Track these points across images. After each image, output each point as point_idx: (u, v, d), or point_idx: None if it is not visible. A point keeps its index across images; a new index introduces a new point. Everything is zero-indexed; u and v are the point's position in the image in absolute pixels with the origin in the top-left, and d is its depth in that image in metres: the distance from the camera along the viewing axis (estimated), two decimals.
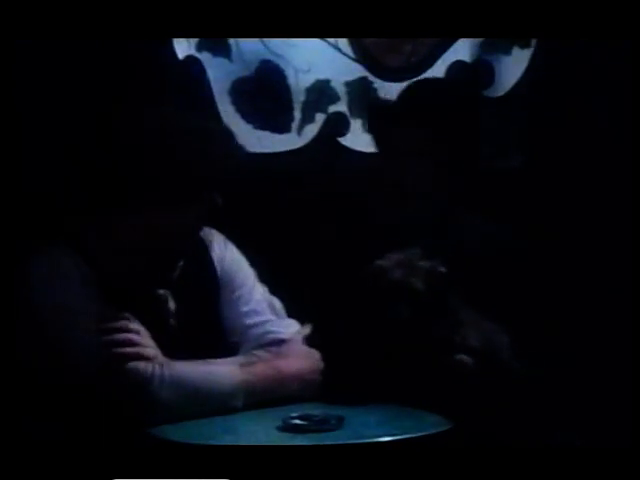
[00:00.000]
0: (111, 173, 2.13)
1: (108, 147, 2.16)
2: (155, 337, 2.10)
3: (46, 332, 2.07)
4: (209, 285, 2.27)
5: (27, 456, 1.91)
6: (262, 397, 2.12)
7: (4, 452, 1.92)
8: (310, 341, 2.26)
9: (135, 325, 2.07)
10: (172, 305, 2.21)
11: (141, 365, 2.03)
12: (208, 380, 2.08)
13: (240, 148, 2.32)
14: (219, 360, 2.15)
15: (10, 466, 1.88)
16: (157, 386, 2.03)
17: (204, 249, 2.28)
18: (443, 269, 2.22)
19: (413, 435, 1.90)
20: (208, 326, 2.23)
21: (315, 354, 2.23)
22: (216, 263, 2.29)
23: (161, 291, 2.20)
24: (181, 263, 2.22)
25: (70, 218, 2.24)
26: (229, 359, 2.17)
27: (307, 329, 2.28)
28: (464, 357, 2.20)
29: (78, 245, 2.15)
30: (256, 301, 2.29)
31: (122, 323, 2.07)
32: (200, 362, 2.11)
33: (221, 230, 2.32)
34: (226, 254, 2.31)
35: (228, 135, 2.24)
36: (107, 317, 2.07)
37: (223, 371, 2.11)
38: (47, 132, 2.58)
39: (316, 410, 2.02)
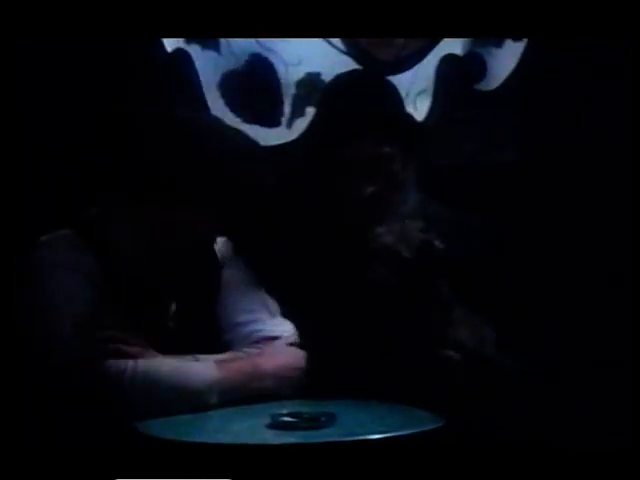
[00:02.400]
0: (129, 168, 2.15)
1: (120, 143, 2.19)
2: (151, 336, 2.09)
3: (40, 323, 2.07)
4: (210, 287, 2.26)
5: (18, 455, 1.92)
6: (238, 394, 2.09)
7: None
8: (300, 338, 2.24)
9: (122, 322, 2.06)
10: (173, 305, 2.21)
11: (114, 361, 2.02)
12: (179, 376, 2.05)
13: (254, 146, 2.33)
14: (201, 356, 2.12)
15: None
16: (128, 382, 2.01)
17: (209, 249, 2.27)
18: (439, 244, 2.19)
19: (404, 432, 1.89)
20: (205, 326, 2.22)
21: (298, 352, 2.22)
22: (220, 264, 2.28)
23: (164, 290, 2.20)
24: (187, 263, 2.21)
25: (82, 210, 2.26)
26: (210, 356, 2.14)
27: (295, 327, 2.26)
28: (452, 353, 2.18)
29: (88, 237, 2.16)
30: (249, 300, 2.28)
31: (109, 319, 2.05)
32: (175, 358, 2.09)
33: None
34: (226, 254, 2.30)
35: (244, 135, 2.27)
36: (96, 312, 2.05)
37: (197, 367, 2.09)
38: (47, 131, 2.59)
39: (306, 407, 2.01)
